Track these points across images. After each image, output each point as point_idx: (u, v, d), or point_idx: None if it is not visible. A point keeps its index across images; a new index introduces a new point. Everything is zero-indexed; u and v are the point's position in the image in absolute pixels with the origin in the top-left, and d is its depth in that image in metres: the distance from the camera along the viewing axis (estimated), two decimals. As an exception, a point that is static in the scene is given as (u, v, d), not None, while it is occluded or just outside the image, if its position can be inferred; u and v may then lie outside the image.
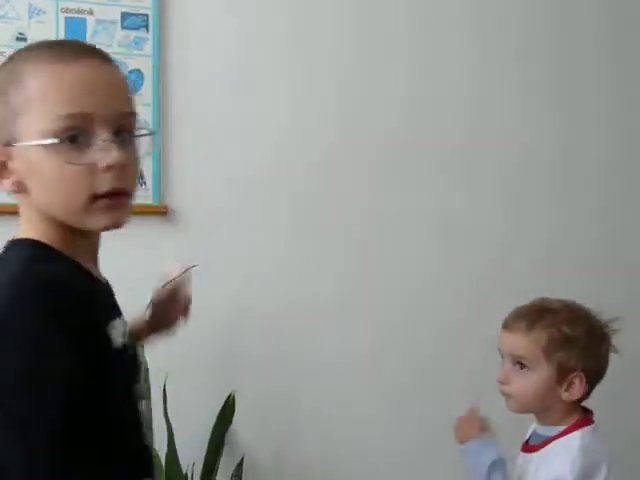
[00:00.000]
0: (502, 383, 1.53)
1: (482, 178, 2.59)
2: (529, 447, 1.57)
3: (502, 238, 2.60)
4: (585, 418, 1.52)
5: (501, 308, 1.60)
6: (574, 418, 1.51)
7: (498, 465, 1.44)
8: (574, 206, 2.68)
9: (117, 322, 1.06)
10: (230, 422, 2.24)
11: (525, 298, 1.60)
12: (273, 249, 2.37)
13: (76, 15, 2.16)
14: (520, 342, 1.50)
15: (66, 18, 2.15)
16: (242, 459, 2.25)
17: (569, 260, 2.65)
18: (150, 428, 1.15)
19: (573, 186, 2.68)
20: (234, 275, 2.32)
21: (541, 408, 1.52)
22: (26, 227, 1.06)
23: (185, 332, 1.42)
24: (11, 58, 1.06)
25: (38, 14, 2.13)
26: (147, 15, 2.22)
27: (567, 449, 1.46)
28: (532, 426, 1.59)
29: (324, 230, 2.43)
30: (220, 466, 2.17)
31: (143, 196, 2.21)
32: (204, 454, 2.16)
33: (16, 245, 1.05)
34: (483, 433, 1.49)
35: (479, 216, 2.58)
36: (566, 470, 1.42)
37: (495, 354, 1.58)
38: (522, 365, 1.50)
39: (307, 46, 2.41)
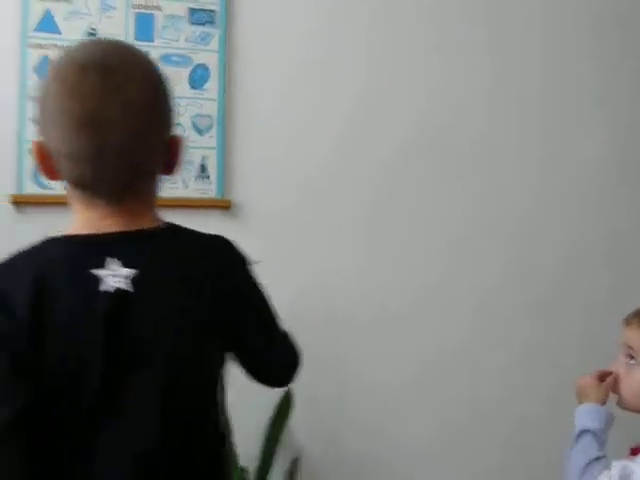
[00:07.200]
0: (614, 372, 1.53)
1: (556, 178, 2.54)
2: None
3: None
4: None
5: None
6: None
7: (588, 434, 1.44)
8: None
9: None
10: (287, 417, 2.24)
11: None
12: (336, 246, 2.36)
13: (145, 11, 2.20)
14: (634, 334, 1.50)
15: (136, 14, 2.19)
16: (297, 456, 2.25)
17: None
18: None
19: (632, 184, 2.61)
20: (297, 271, 2.32)
21: None
22: None
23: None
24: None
25: (109, 10, 2.17)
26: (214, 11, 2.24)
27: None
28: None
29: (390, 231, 2.40)
30: (275, 462, 2.18)
31: (207, 190, 2.23)
32: (260, 449, 2.17)
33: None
34: (600, 398, 1.50)
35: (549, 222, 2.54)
36: None
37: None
38: (631, 357, 1.50)
39: (374, 41, 2.39)
